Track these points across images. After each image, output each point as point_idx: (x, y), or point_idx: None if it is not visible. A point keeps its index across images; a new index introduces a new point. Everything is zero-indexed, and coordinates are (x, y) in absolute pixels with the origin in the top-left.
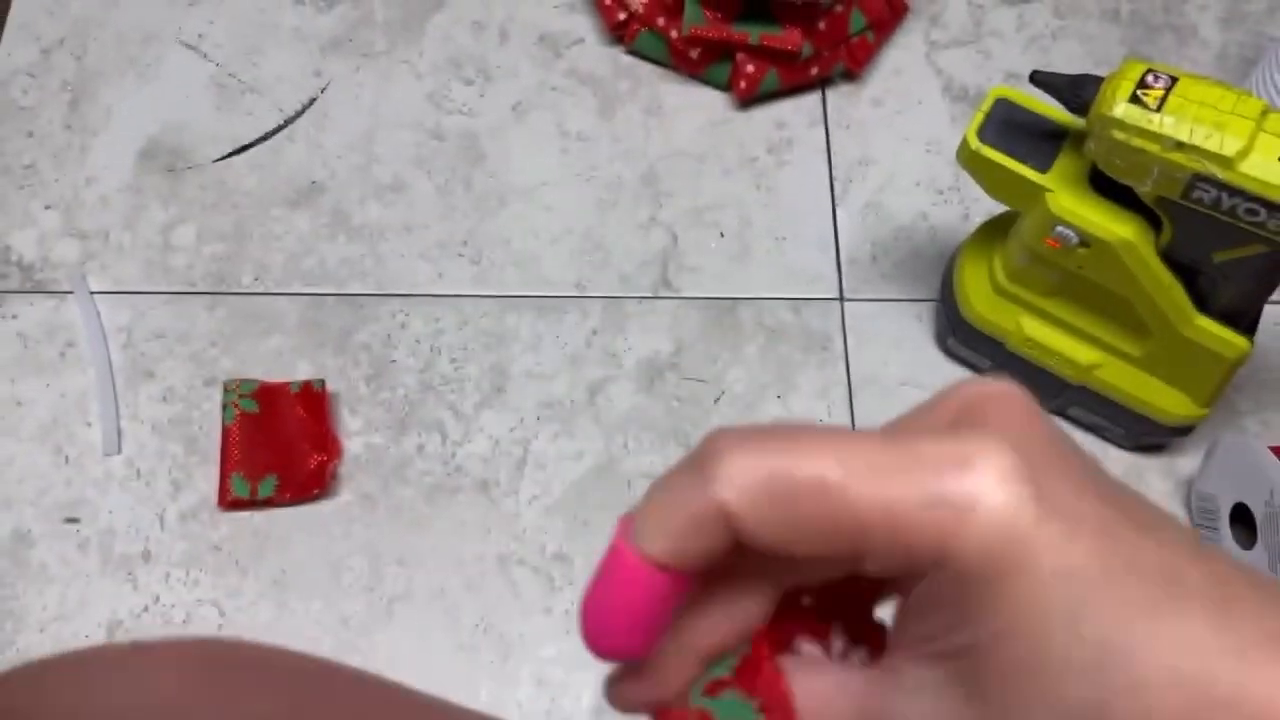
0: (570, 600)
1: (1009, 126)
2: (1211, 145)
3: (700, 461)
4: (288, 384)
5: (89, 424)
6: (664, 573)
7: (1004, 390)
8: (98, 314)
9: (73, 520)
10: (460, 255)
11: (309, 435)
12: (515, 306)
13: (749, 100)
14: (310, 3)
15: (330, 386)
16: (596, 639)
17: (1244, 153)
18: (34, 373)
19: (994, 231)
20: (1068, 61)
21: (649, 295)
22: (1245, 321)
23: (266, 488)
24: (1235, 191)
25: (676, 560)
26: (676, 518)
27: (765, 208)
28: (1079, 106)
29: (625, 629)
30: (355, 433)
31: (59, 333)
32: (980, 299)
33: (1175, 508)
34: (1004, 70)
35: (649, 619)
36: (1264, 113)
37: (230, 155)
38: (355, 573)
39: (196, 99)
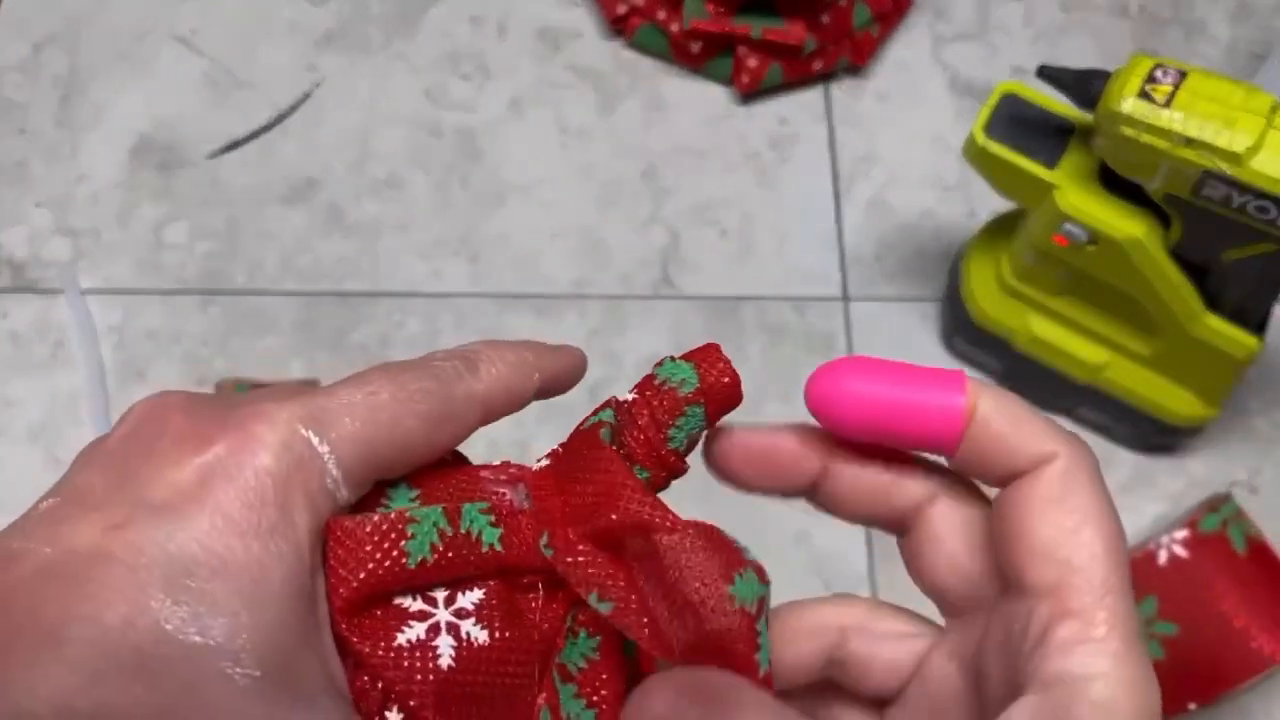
0: None
1: (1016, 122)
2: (1221, 141)
3: None
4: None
5: (80, 425)
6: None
7: None
8: (89, 313)
9: None
10: (457, 254)
11: None
12: (514, 306)
13: (751, 95)
14: None
15: None
16: (854, 406)
17: (1254, 149)
18: (25, 372)
19: (1001, 229)
20: (1075, 56)
21: (649, 295)
22: (1255, 320)
23: None
24: (1245, 188)
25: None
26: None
27: (768, 205)
28: (1087, 101)
29: (877, 421)
30: None
31: (50, 332)
32: (987, 298)
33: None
34: (1011, 65)
35: (893, 438)
36: (1274, 109)
37: (223, 152)
38: None
39: (189, 95)
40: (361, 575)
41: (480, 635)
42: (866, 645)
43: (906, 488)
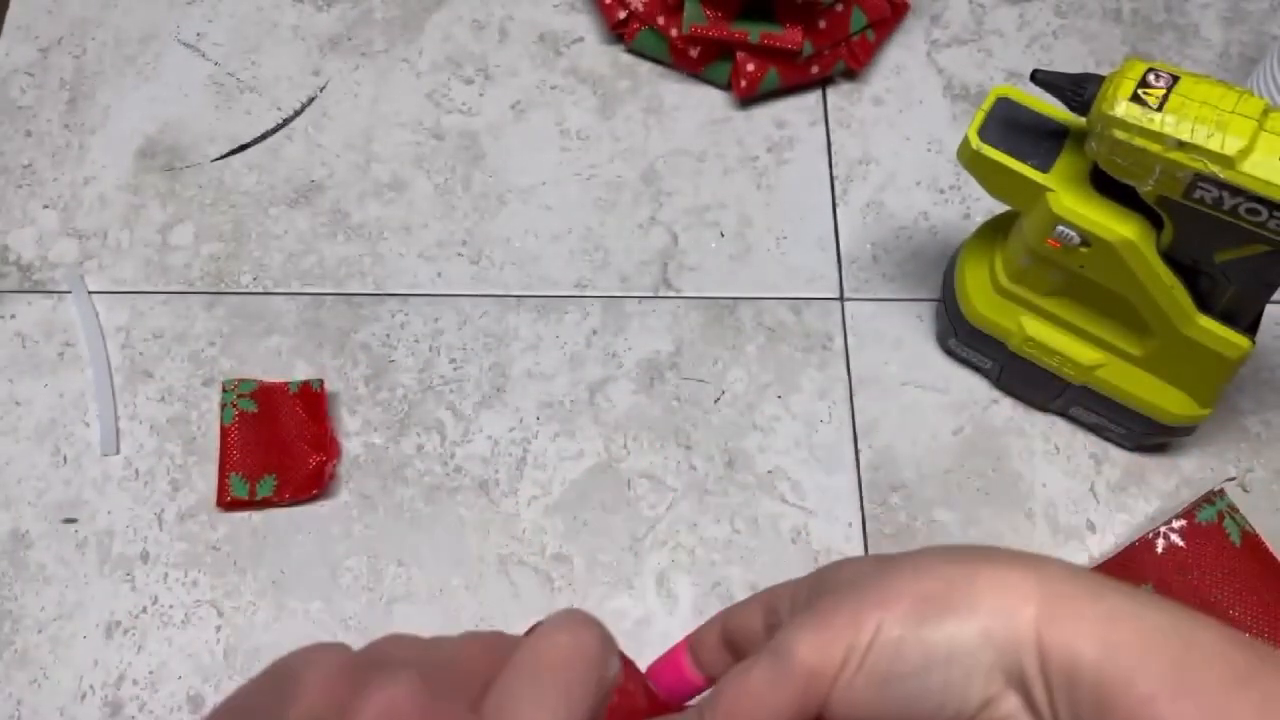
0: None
1: (1010, 126)
2: (1213, 145)
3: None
4: (286, 384)
5: (87, 424)
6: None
7: None
8: (96, 314)
9: (71, 520)
10: (460, 255)
11: (308, 435)
12: (515, 306)
13: (749, 99)
14: (309, 1)
15: (329, 386)
16: None
17: (1245, 152)
18: (32, 372)
19: (995, 231)
20: (1069, 60)
21: (649, 295)
22: (1247, 321)
23: (265, 488)
24: (1237, 191)
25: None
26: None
27: (766, 207)
28: (1080, 105)
29: None
30: (354, 433)
31: (57, 332)
32: (981, 299)
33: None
34: (1005, 69)
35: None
36: (1265, 112)
37: (229, 154)
38: (354, 573)
39: (195, 98)
40: None
41: None
42: None
43: None
